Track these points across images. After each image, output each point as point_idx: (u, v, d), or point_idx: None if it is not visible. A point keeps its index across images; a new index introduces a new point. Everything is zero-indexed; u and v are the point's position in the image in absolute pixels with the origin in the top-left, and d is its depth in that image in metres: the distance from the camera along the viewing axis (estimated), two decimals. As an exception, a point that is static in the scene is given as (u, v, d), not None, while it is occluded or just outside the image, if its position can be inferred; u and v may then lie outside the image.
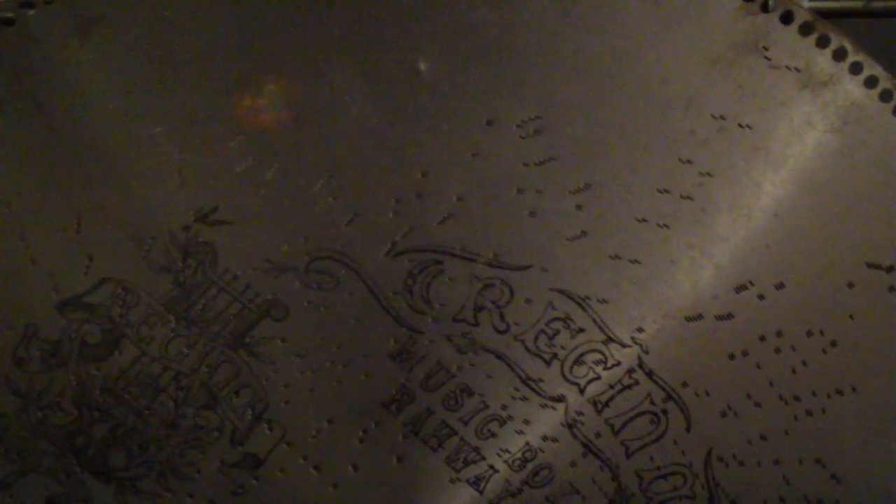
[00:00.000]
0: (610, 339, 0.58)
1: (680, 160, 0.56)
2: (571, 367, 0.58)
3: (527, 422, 0.59)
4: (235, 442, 0.58)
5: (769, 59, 0.56)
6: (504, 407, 0.58)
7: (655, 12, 0.55)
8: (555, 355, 0.58)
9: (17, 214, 0.56)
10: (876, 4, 0.62)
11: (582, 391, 0.58)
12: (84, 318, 0.57)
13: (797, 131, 0.57)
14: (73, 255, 0.57)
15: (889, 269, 0.57)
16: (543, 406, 0.59)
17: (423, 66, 0.55)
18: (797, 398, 0.59)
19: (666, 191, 0.57)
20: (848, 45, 0.56)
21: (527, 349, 0.58)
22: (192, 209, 0.57)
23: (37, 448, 0.58)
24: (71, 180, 0.56)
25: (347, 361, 0.58)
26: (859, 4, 0.62)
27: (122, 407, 0.58)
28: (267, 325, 0.58)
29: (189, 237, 0.56)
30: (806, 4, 0.56)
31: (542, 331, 0.58)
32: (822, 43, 0.56)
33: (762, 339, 0.58)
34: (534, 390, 0.58)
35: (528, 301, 0.58)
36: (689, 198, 0.57)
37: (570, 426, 0.59)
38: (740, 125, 0.56)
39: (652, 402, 0.59)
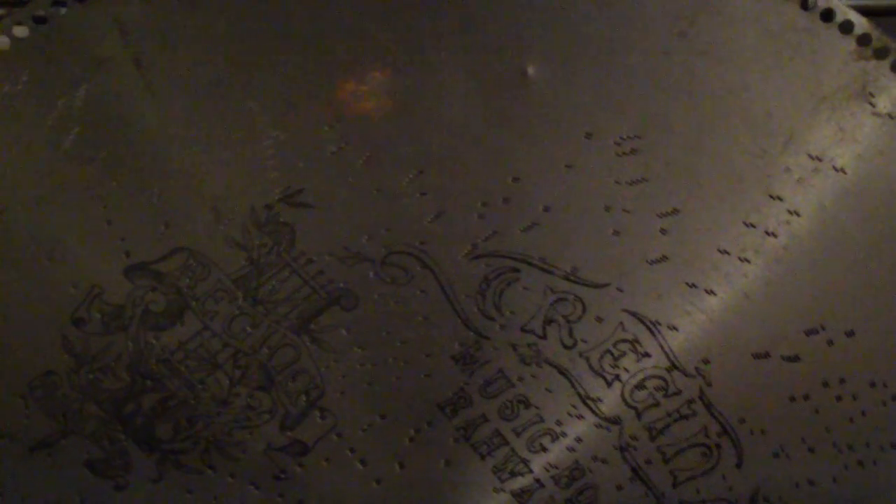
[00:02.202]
0: (674, 367, 0.57)
1: (770, 196, 0.56)
2: (632, 391, 0.58)
3: (579, 440, 0.58)
4: (285, 427, 0.57)
5: (873, 106, 0.55)
6: (559, 423, 0.58)
7: (771, 45, 0.55)
8: (617, 377, 0.57)
9: (100, 172, 0.54)
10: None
11: (639, 416, 0.58)
12: (151, 285, 0.56)
13: (891, 181, 0.56)
14: (150, 221, 0.56)
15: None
16: (598, 426, 0.58)
17: (531, 70, 0.55)
18: (851, 447, 0.58)
19: (752, 225, 0.56)
20: (954, 102, 0.55)
21: (590, 367, 0.57)
22: (277, 188, 0.56)
23: (83, 410, 0.57)
24: (160, 143, 0.55)
25: (409, 359, 0.57)
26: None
27: (176, 379, 0.57)
28: (334, 313, 0.57)
29: (270, 216, 0.55)
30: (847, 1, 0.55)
31: (609, 351, 0.57)
32: (930, 96, 0.55)
33: (825, 384, 0.58)
34: (591, 409, 0.58)
35: (598, 319, 0.57)
36: (773, 234, 0.56)
37: (622, 449, 0.58)
38: (835, 168, 0.56)
39: (706, 435, 0.58)
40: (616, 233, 0.56)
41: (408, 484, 0.58)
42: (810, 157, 0.56)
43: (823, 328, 0.57)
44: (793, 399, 0.58)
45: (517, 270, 0.56)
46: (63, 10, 0.55)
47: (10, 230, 0.56)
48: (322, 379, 0.57)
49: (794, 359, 0.57)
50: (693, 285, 0.57)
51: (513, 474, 0.59)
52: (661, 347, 0.57)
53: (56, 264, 0.56)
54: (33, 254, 0.56)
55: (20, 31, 0.54)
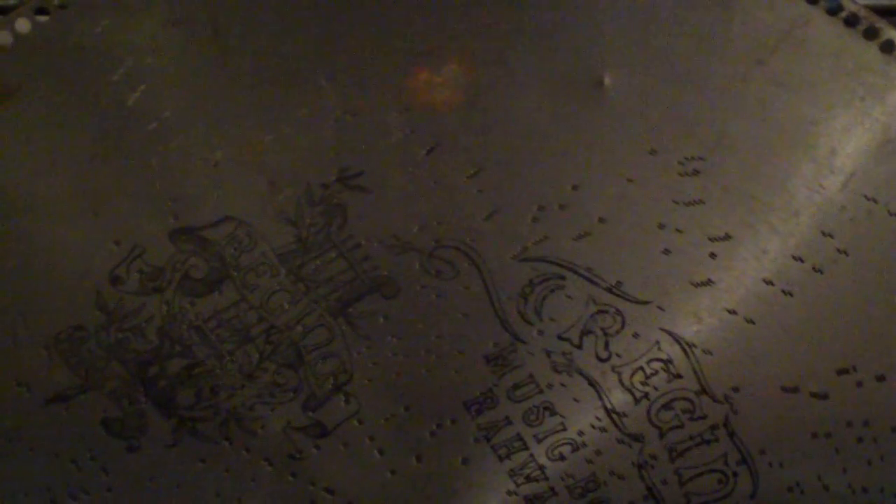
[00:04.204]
0: (703, 391, 0.57)
1: (822, 232, 0.56)
2: (659, 411, 0.57)
3: (599, 453, 0.58)
4: (308, 407, 0.57)
5: (936, 156, 0.55)
6: (581, 433, 0.57)
7: (844, 82, 0.55)
8: (646, 395, 0.57)
9: (161, 132, 0.53)
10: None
11: (662, 436, 0.57)
12: (194, 251, 0.55)
13: (944, 231, 0.56)
14: (204, 186, 0.55)
15: None
16: (620, 441, 0.58)
17: (607, 79, 0.54)
18: (865, 490, 0.58)
19: (800, 259, 0.56)
20: None
21: (621, 382, 0.57)
22: (336, 168, 0.55)
23: (107, 368, 0.56)
24: (226, 110, 0.54)
25: (442, 354, 0.56)
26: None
27: (205, 347, 0.56)
28: (374, 300, 0.56)
29: (325, 195, 0.55)
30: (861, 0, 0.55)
31: (641, 368, 0.57)
32: None
33: (849, 424, 0.58)
34: (615, 424, 0.57)
35: (636, 335, 0.56)
36: (819, 271, 0.56)
37: (640, 467, 0.58)
38: (889, 212, 0.55)
39: (725, 463, 0.58)
40: (666, 251, 0.56)
41: (422, 478, 0.58)
42: (866, 198, 0.55)
43: (855, 369, 0.57)
44: (815, 436, 0.58)
45: (562, 278, 0.56)
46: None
47: (58, 182, 0.55)
48: (352, 364, 0.57)
49: (823, 396, 0.57)
50: (733, 312, 0.56)
51: (528, 479, 0.58)
52: (694, 370, 0.57)
53: (100, 220, 0.55)
54: (79, 207, 0.55)
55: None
